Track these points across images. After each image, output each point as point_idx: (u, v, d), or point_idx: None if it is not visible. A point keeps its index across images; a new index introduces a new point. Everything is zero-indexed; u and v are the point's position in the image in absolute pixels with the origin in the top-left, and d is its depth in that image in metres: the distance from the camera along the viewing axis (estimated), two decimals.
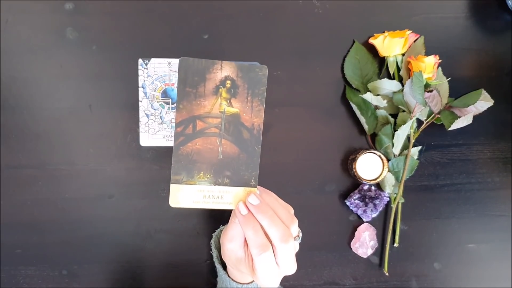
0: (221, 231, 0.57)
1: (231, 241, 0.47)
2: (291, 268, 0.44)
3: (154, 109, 0.59)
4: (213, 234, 0.57)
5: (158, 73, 0.59)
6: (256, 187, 0.45)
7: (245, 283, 0.51)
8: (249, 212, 0.43)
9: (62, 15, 0.59)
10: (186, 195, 0.44)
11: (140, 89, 0.59)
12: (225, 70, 0.44)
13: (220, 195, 0.45)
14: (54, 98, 0.60)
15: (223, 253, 0.50)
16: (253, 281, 0.51)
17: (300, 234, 0.47)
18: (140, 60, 0.59)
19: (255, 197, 0.44)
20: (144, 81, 0.59)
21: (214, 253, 0.54)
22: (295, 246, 0.45)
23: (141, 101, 0.59)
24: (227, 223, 0.59)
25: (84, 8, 0.60)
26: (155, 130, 0.59)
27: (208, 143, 0.44)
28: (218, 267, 0.53)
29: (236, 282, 0.51)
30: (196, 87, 0.44)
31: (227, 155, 0.45)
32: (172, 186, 0.44)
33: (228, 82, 0.44)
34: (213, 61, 0.44)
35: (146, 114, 0.59)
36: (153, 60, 0.59)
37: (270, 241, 0.43)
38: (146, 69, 0.58)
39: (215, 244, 0.55)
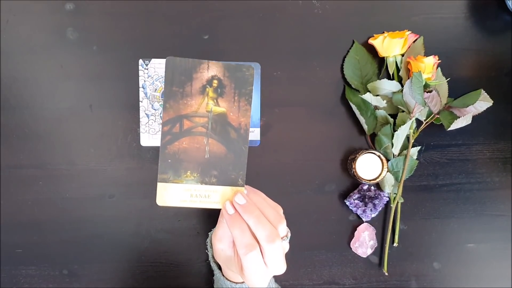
0: None
1: (220, 241, 0.47)
2: (279, 268, 0.44)
3: (155, 109, 0.59)
4: (209, 233, 0.57)
5: (158, 73, 0.59)
6: (243, 186, 0.45)
7: (238, 282, 0.51)
8: (236, 211, 0.43)
9: (62, 15, 0.60)
10: (173, 194, 0.44)
11: (141, 90, 0.59)
12: (212, 69, 0.44)
13: (207, 194, 0.45)
14: (54, 98, 0.60)
15: (214, 253, 0.50)
16: None
17: (289, 234, 0.47)
18: (140, 61, 0.59)
19: (241, 196, 0.44)
20: (145, 81, 0.59)
21: (210, 252, 0.54)
22: (283, 246, 0.45)
23: (141, 101, 0.59)
24: None
25: (85, 9, 0.60)
26: (156, 130, 0.59)
27: (195, 142, 0.45)
28: (213, 266, 0.53)
29: (230, 281, 0.51)
30: (183, 86, 0.44)
31: (214, 155, 0.45)
32: (159, 185, 0.44)
33: (215, 81, 0.44)
34: (200, 60, 0.44)
35: (146, 114, 0.59)
36: (153, 60, 0.59)
37: (257, 241, 0.43)
38: (147, 69, 0.59)
39: (210, 243, 0.55)
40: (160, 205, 0.44)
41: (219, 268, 0.53)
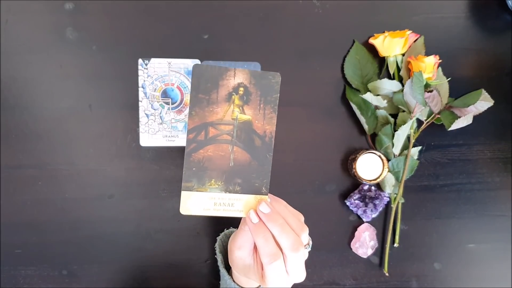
0: (225, 235, 0.57)
1: (240, 249, 0.47)
2: (300, 276, 0.44)
3: (154, 109, 0.59)
4: (217, 237, 0.56)
5: (158, 73, 0.59)
6: (267, 195, 0.45)
7: None
8: (260, 220, 0.43)
9: (62, 15, 0.59)
10: (197, 203, 0.44)
11: (140, 89, 0.59)
12: (238, 77, 0.44)
13: (231, 202, 0.44)
14: (54, 98, 0.60)
15: (231, 260, 0.50)
16: (259, 286, 0.51)
17: (310, 242, 0.47)
18: (140, 60, 0.59)
19: (266, 205, 0.43)
20: (144, 81, 0.59)
21: (219, 257, 0.54)
22: (304, 254, 0.45)
23: (141, 101, 0.59)
24: (230, 225, 0.59)
25: (84, 8, 0.60)
26: (155, 130, 0.59)
27: (219, 150, 0.44)
28: (223, 271, 0.53)
29: (241, 287, 0.51)
30: (209, 93, 0.43)
31: (239, 163, 0.44)
32: (183, 193, 0.44)
33: (241, 89, 0.44)
34: (226, 68, 0.44)
35: (146, 114, 0.59)
36: (153, 60, 0.59)
37: (281, 249, 0.43)
38: (146, 69, 0.59)
39: (219, 248, 0.55)
40: (183, 213, 0.44)
41: (228, 273, 0.53)
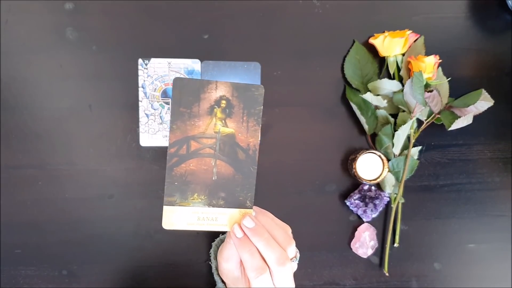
0: (220, 240, 0.56)
1: (227, 261, 0.46)
2: None
3: (154, 109, 0.59)
4: (212, 243, 0.56)
5: (158, 73, 0.59)
6: (251, 208, 0.44)
7: None
8: (245, 235, 0.43)
9: (62, 15, 0.59)
10: (180, 217, 0.44)
11: (140, 89, 0.59)
12: (220, 89, 0.43)
13: (214, 216, 0.44)
14: (54, 98, 0.60)
15: (220, 272, 0.49)
16: None
17: (298, 255, 0.47)
18: (140, 60, 0.59)
19: (250, 219, 0.43)
20: (144, 81, 0.59)
21: (213, 263, 0.54)
22: (292, 267, 0.45)
23: (141, 101, 0.59)
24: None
25: (84, 8, 0.60)
26: (155, 130, 0.59)
27: (202, 164, 0.44)
28: (217, 278, 0.53)
29: None
30: (191, 107, 0.43)
31: (222, 176, 0.44)
32: (165, 208, 0.44)
33: (223, 102, 0.44)
34: (208, 80, 0.43)
35: (146, 114, 0.59)
36: (153, 60, 0.59)
37: (267, 263, 0.42)
38: (146, 69, 0.59)
39: (214, 254, 0.54)
40: (166, 228, 0.44)
41: (222, 280, 0.53)
